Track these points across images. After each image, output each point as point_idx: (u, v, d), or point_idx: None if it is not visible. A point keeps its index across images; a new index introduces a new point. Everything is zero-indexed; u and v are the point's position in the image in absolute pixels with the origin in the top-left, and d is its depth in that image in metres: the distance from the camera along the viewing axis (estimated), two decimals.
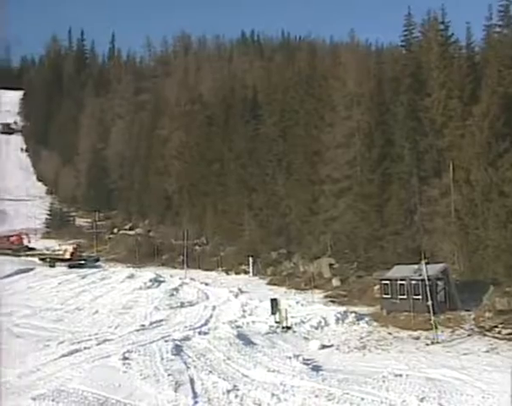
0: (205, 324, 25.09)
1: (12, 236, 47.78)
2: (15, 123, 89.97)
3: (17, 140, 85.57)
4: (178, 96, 58.35)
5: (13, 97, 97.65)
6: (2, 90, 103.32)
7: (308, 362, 18.79)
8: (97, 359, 18.15)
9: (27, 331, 24.86)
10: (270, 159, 42.11)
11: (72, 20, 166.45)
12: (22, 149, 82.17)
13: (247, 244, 41.53)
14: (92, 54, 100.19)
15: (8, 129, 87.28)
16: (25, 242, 47.84)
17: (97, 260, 46.80)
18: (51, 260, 44.36)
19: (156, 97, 63.27)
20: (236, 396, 15.19)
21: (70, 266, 42.98)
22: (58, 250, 46.28)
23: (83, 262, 44.66)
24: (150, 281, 36.70)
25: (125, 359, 17.67)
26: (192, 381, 16.00)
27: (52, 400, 14.21)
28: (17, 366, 18.16)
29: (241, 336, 21.71)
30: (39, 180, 74.41)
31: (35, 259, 45.48)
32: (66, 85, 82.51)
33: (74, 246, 46.80)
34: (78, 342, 21.01)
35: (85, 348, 19.89)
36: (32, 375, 16.97)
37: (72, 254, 44.94)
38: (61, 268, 42.91)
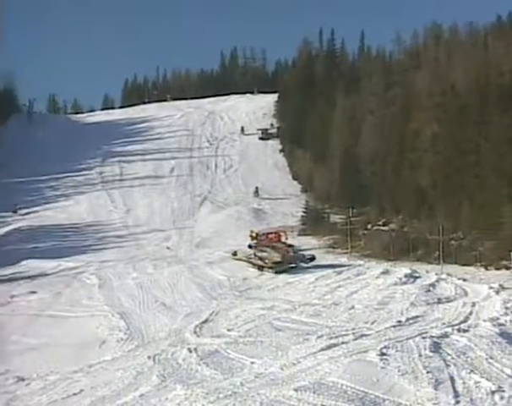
0: (464, 321, 24.18)
1: (270, 233, 49.37)
2: (271, 125, 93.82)
3: (273, 142, 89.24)
4: (429, 88, 57.00)
5: (269, 101, 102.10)
6: (261, 95, 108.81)
7: None
8: (355, 353, 18.20)
9: (287, 325, 25.74)
10: None
11: (323, 22, 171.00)
12: (279, 150, 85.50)
13: (508, 237, 39.44)
14: (342, 53, 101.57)
15: (266, 135, 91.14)
16: (283, 239, 49.11)
17: (312, 259, 43.15)
18: (260, 266, 41.89)
19: (407, 91, 62.31)
20: (502, 398, 14.37)
21: (277, 272, 40.42)
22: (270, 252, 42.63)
23: (293, 266, 41.57)
24: (406, 276, 36.24)
25: (382, 354, 17.54)
26: (452, 380, 15.43)
27: (313, 392, 14.48)
28: (279, 358, 18.84)
29: (504, 334, 20.55)
30: (294, 179, 76.78)
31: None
32: (317, 85, 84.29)
33: (286, 248, 43.34)
34: (336, 337, 21.26)
35: (343, 343, 20.06)
36: (293, 367, 17.45)
37: (283, 256, 41.97)
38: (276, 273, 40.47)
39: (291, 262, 42.12)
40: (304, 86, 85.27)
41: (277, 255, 42.15)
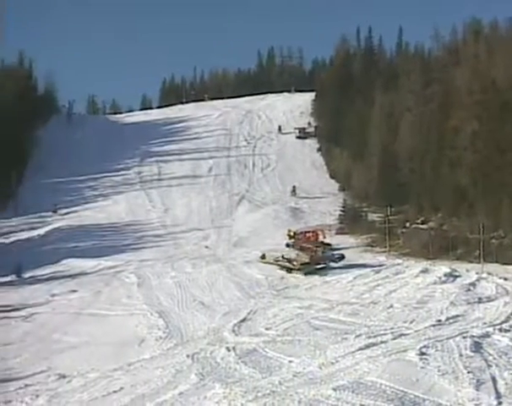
0: (506, 321, 23.75)
1: (308, 232, 49.24)
2: (309, 123, 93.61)
3: (311, 141, 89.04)
4: (469, 85, 56.32)
5: (306, 99, 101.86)
6: (298, 93, 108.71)
7: None
8: (393, 353, 18.02)
9: (325, 323, 25.62)
10: None
11: (360, 19, 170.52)
12: (317, 149, 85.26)
13: None
14: (380, 50, 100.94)
15: (304, 134, 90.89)
16: (321, 238, 48.99)
17: (341, 258, 42.69)
18: (288, 268, 40.64)
19: (446, 88, 61.65)
20: None
21: (306, 273, 39.50)
22: (297, 253, 41.97)
23: (323, 266, 40.69)
24: (445, 275, 35.81)
25: (422, 354, 17.32)
26: (494, 380, 15.16)
27: (352, 391, 14.35)
28: (317, 357, 18.76)
29: None
30: (332, 178, 76.60)
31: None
32: (355, 83, 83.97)
33: (314, 248, 42.51)
34: (375, 336, 21.07)
35: (381, 342, 19.88)
36: (331, 366, 17.34)
37: (311, 257, 41.23)
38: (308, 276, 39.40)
39: (319, 262, 41.42)
40: (342, 84, 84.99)
41: (305, 256, 41.49)
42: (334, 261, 42.46)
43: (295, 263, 41.07)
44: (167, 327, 29.18)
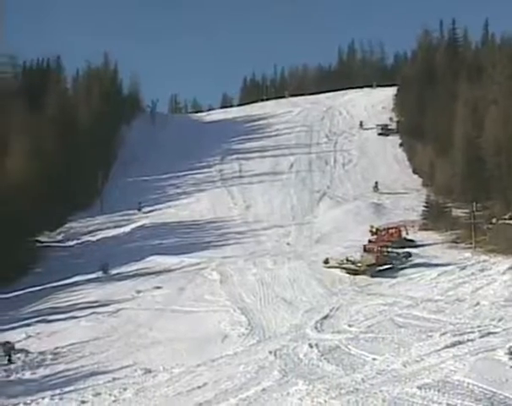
0: None
1: (391, 228, 48.65)
2: (390, 119, 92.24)
3: (393, 137, 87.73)
4: None
5: (388, 94, 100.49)
6: (379, 88, 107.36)
7: None
8: (481, 352, 17.61)
9: (409, 321, 25.32)
10: None
11: (443, 11, 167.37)
12: (399, 144, 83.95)
13: None
14: (464, 42, 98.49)
15: (386, 131, 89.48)
16: (403, 234, 48.35)
17: (407, 256, 41.55)
18: (350, 270, 39.04)
19: None
20: None
21: (373, 276, 38.09)
22: (361, 256, 40.68)
23: (389, 267, 39.38)
24: None
25: (511, 353, 16.85)
26: None
27: (438, 391, 14.09)
28: (401, 355, 18.51)
29: None
30: (414, 173, 75.29)
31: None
32: (438, 76, 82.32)
33: (378, 248, 41.15)
34: (461, 334, 20.66)
35: (468, 341, 19.47)
36: (416, 364, 17.10)
37: (377, 258, 39.70)
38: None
39: (384, 263, 40.04)
40: (424, 78, 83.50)
41: (370, 258, 40.06)
42: (400, 260, 41.18)
43: (359, 265, 39.61)
44: (250, 324, 29.37)
